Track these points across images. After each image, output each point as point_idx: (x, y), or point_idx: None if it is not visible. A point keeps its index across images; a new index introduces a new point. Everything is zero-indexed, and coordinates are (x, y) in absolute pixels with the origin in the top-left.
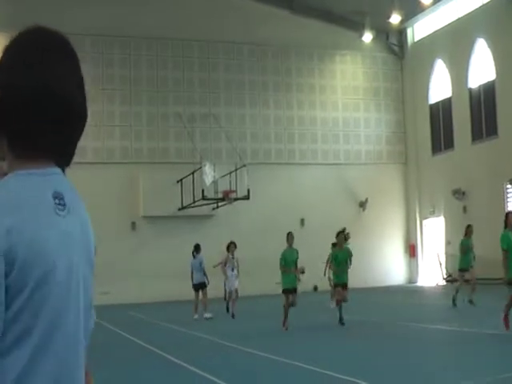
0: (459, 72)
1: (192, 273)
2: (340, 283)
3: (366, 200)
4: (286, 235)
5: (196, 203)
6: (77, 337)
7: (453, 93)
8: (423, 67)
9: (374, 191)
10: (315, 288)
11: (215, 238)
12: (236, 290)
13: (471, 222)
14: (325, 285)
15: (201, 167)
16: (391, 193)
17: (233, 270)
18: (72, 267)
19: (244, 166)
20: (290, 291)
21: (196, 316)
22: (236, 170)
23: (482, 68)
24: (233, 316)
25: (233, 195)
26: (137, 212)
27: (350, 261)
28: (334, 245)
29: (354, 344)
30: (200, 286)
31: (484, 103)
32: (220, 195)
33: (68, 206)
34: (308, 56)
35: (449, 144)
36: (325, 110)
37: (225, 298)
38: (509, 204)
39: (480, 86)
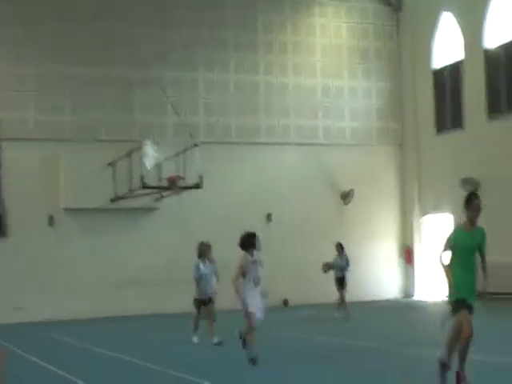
0: (473, 29)
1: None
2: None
3: (351, 191)
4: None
5: (134, 193)
6: None
7: (465, 55)
8: (426, 22)
9: (361, 180)
10: (285, 302)
11: (158, 236)
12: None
13: (487, 220)
14: (298, 298)
15: (140, 147)
16: (383, 182)
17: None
18: None
19: (196, 145)
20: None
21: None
22: (185, 150)
23: (503, 24)
24: (254, 361)
25: (181, 183)
26: (56, 203)
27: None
28: None
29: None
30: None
31: (505, 69)
32: (165, 183)
33: None
34: (278, 6)
35: (458, 121)
36: (299, 76)
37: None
38: None
39: (500, 48)
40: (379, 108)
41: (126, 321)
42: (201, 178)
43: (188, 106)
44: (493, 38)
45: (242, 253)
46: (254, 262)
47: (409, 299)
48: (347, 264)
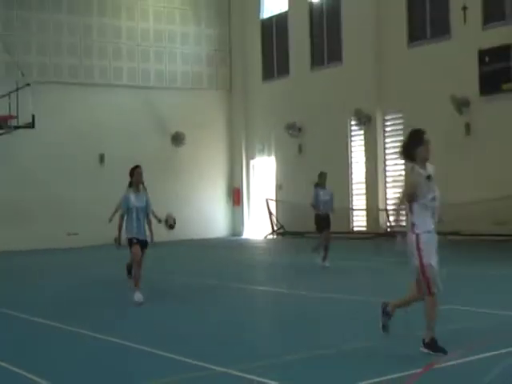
0: None
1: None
2: None
3: (182, 134)
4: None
5: None
6: None
7: (289, 7)
8: None
9: (192, 123)
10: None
11: None
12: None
13: (308, 164)
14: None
15: None
16: (212, 125)
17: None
18: None
19: (28, 84)
20: None
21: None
22: (17, 89)
23: None
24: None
25: (12, 122)
26: None
27: None
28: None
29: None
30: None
31: (327, 22)
32: None
33: None
34: None
35: (283, 69)
36: (132, 19)
37: None
38: (353, 142)
39: (323, 1)
40: (209, 54)
41: None
42: (33, 117)
43: (20, 45)
44: None
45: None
46: (429, 178)
47: (237, 237)
48: None
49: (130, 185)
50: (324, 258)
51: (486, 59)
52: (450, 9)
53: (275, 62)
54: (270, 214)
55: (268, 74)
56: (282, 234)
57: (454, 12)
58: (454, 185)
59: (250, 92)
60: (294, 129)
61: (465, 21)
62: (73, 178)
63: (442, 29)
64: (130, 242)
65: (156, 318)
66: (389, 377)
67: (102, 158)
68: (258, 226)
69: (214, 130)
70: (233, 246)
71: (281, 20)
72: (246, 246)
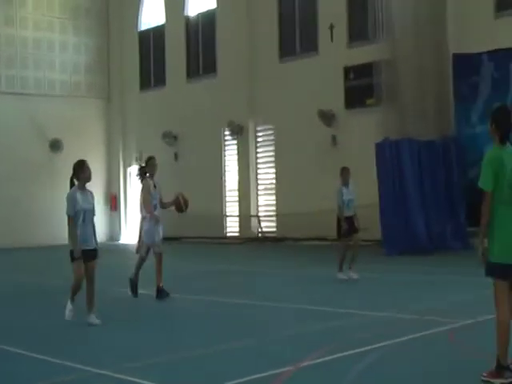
0: None
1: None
2: None
3: (60, 141)
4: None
5: None
6: None
7: (166, 20)
8: None
9: (70, 130)
10: None
11: None
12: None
13: (183, 171)
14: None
15: None
16: (90, 133)
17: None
18: None
19: None
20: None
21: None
22: None
23: None
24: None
25: None
26: None
27: None
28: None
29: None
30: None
31: (202, 35)
32: None
33: None
34: None
35: (160, 80)
36: (11, 27)
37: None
38: (227, 152)
39: (199, 15)
40: (87, 63)
41: None
42: None
43: None
44: (193, 6)
45: None
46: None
47: (115, 242)
48: None
49: (72, 183)
50: (350, 268)
51: (351, 75)
52: (318, 27)
53: (152, 73)
54: None
55: (145, 84)
56: None
57: (321, 30)
58: (322, 192)
59: (128, 101)
60: (169, 137)
61: (332, 39)
62: None
63: (310, 45)
64: (72, 254)
65: (35, 321)
66: (261, 375)
67: None
68: (134, 232)
69: (92, 138)
70: (111, 251)
71: (158, 32)
72: (126, 251)
